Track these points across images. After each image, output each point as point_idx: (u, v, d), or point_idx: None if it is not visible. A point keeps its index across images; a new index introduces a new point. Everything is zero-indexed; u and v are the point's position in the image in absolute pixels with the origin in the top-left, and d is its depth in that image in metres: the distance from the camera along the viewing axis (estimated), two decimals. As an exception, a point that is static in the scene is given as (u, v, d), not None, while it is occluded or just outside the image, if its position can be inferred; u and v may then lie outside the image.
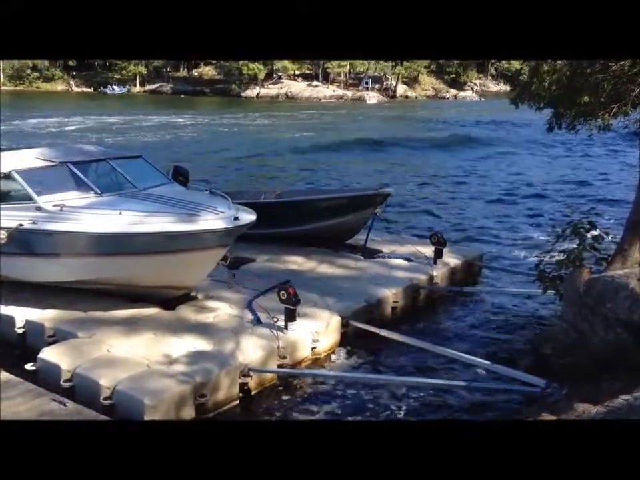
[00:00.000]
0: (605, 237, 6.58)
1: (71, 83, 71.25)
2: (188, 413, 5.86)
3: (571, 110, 8.73)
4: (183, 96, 64.95)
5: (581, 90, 7.05)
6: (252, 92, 68.58)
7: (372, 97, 66.26)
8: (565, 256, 6.60)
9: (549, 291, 6.83)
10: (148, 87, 72.07)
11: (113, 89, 69.76)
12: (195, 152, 25.33)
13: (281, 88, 69.29)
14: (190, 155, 23.87)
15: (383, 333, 7.48)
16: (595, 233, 6.57)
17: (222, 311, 7.55)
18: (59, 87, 70.51)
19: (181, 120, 39.17)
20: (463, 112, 44.47)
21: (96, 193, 7.55)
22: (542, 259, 6.92)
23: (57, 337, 6.95)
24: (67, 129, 33.69)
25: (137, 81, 72.02)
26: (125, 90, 70.06)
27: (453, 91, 75.65)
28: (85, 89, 70.91)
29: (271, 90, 68.95)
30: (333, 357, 7.44)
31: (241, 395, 6.38)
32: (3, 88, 61.36)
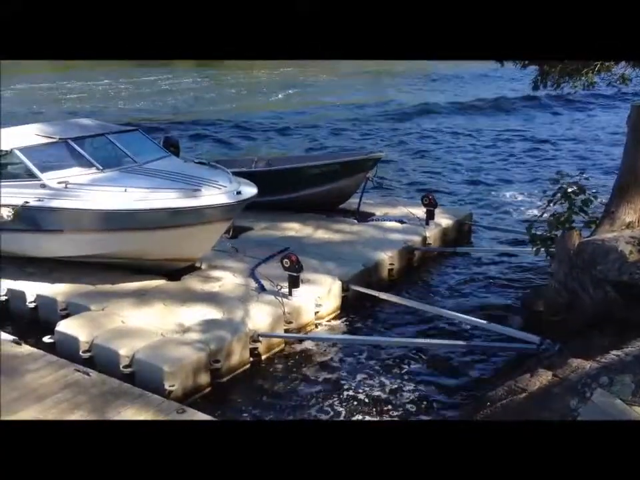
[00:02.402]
0: (594, 200, 6.89)
1: None
2: (204, 378, 6.19)
3: (556, 68, 8.92)
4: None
5: None
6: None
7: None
8: (555, 219, 6.92)
9: (541, 251, 7.16)
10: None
11: None
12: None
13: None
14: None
15: (382, 295, 7.81)
16: (584, 197, 6.87)
17: (227, 280, 7.82)
18: None
19: (158, 80, 37.82)
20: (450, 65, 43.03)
21: (97, 168, 7.69)
22: (533, 221, 7.23)
23: (70, 310, 7.19)
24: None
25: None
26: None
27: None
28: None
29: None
30: (335, 320, 7.77)
31: (251, 359, 6.73)
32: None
